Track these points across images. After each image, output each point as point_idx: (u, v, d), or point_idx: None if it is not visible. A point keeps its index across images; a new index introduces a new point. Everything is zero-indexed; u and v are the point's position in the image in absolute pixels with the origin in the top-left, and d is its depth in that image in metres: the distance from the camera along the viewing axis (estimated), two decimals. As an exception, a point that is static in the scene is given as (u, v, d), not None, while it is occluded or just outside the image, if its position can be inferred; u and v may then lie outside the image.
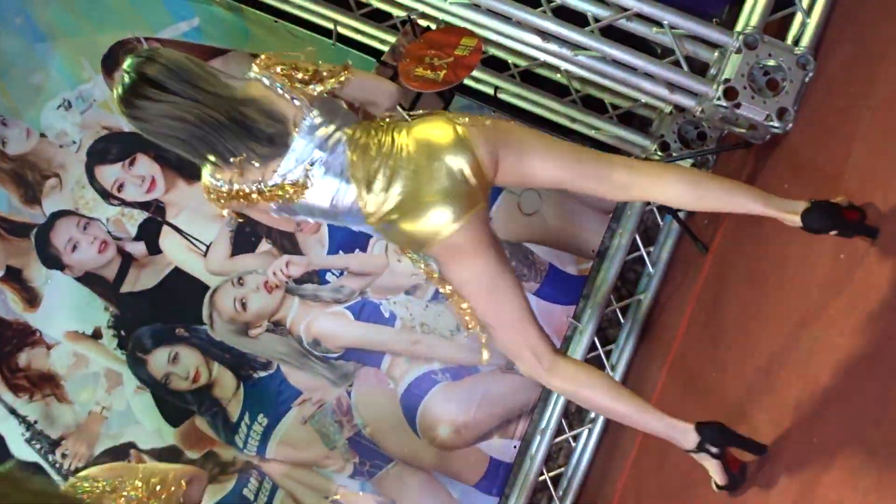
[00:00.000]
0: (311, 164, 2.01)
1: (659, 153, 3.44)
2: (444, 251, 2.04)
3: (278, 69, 2.06)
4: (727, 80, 2.88)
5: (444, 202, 1.99)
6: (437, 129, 2.05)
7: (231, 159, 1.98)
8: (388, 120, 2.15)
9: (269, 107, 2.01)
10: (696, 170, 2.26)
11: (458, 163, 2.00)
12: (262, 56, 2.11)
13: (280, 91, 2.03)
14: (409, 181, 2.00)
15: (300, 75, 2.05)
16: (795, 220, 2.05)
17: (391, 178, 2.00)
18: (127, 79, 2.00)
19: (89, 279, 3.79)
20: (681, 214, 3.37)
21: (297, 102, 2.03)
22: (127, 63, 2.02)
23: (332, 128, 2.04)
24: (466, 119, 2.09)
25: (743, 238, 2.91)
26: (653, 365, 3.36)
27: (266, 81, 2.05)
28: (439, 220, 1.99)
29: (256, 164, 2.00)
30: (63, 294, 3.77)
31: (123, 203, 3.80)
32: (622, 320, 3.74)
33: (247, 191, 2.03)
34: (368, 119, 2.20)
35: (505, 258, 2.13)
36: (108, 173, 3.79)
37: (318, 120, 2.04)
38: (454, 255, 2.05)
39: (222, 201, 2.07)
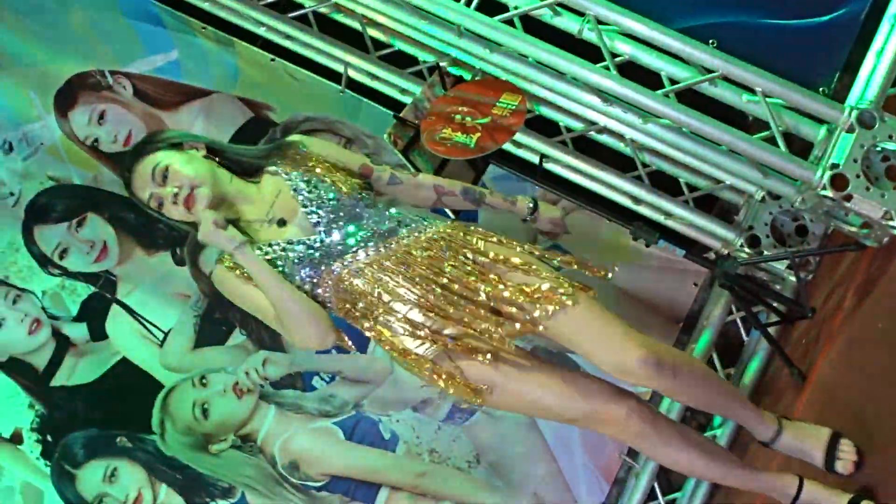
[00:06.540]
0: None
1: (746, 250, 3.45)
2: None
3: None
4: (835, 166, 2.90)
5: None
6: None
7: None
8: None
9: None
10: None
11: None
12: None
13: None
14: None
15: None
16: None
17: None
18: None
19: (13, 367, 3.82)
20: (772, 330, 3.35)
21: None
22: None
23: None
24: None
25: (854, 365, 2.88)
26: (729, 525, 3.29)
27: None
28: None
29: None
30: (-23, 384, 3.80)
31: (65, 273, 3.86)
32: (691, 461, 3.68)
33: None
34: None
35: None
36: (50, 235, 3.87)
37: None
38: None
39: None
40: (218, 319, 3.82)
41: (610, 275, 2.35)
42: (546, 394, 2.29)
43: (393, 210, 2.41)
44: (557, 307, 2.24)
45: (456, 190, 2.53)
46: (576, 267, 2.35)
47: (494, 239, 2.37)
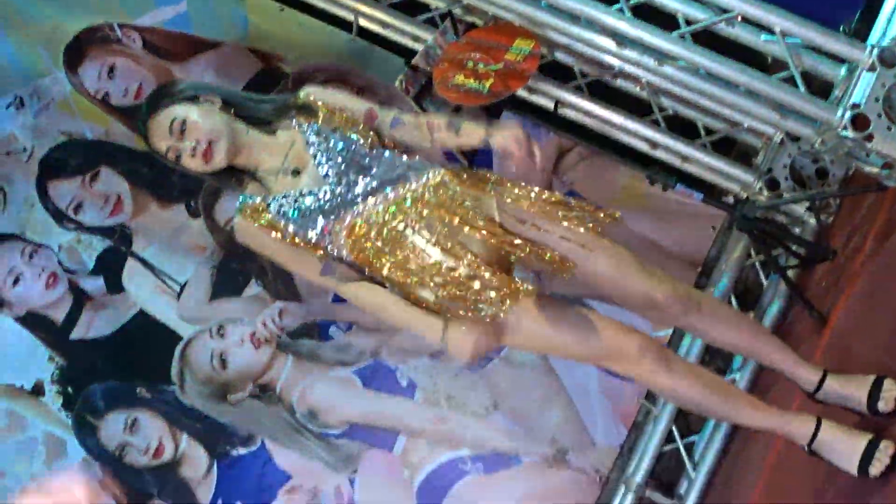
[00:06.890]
0: None
1: (765, 192, 3.42)
2: None
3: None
4: (856, 106, 2.87)
5: None
6: None
7: None
8: None
9: None
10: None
11: None
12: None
13: None
14: None
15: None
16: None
17: None
18: None
19: (32, 321, 3.85)
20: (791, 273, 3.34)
21: None
22: None
23: None
24: None
25: (874, 309, 2.86)
26: (748, 468, 3.30)
27: None
28: None
29: None
30: (-2, 338, 3.83)
31: (80, 227, 3.87)
32: (709, 405, 3.69)
33: None
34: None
35: None
36: (64, 190, 3.87)
37: None
38: None
39: None
40: (234, 270, 3.83)
41: (618, 214, 2.32)
42: (559, 331, 2.30)
43: (403, 158, 2.39)
44: (580, 241, 2.27)
45: (442, 123, 2.43)
46: (585, 213, 2.33)
47: (508, 182, 2.36)
